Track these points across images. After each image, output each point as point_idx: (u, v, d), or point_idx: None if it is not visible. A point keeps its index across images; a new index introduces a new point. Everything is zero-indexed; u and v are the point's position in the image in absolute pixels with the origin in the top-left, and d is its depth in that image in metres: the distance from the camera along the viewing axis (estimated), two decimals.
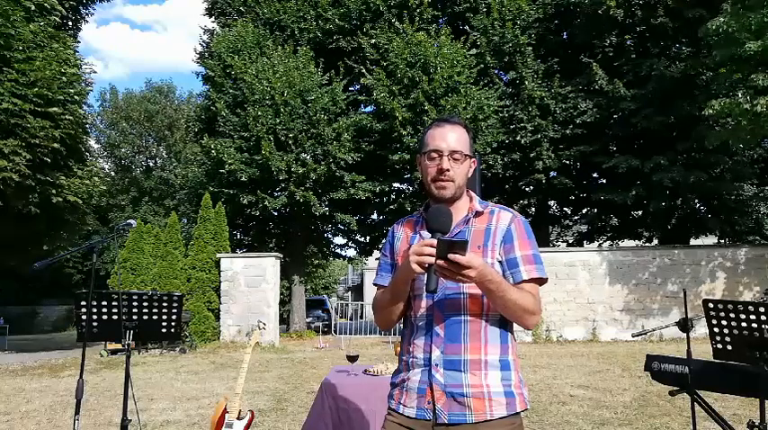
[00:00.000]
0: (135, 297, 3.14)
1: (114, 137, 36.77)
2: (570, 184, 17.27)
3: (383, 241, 2.22)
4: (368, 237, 19.80)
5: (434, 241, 1.50)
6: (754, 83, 10.97)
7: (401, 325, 1.85)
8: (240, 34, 17.12)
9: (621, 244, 20.65)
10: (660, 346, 11.72)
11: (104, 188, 17.04)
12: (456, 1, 18.25)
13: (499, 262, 1.69)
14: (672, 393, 3.18)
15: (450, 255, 1.46)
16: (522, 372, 1.73)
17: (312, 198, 15.82)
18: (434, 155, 1.70)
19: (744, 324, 2.71)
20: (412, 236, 1.79)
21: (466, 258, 1.46)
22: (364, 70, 16.46)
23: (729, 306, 2.75)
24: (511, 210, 1.77)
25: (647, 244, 19.47)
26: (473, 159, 1.77)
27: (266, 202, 15.72)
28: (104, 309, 3.11)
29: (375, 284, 1.86)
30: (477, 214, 1.74)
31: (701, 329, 3.80)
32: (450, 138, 1.70)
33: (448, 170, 1.68)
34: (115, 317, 3.10)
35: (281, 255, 16.04)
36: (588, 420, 5.50)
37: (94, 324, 3.11)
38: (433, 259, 1.48)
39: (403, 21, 16.68)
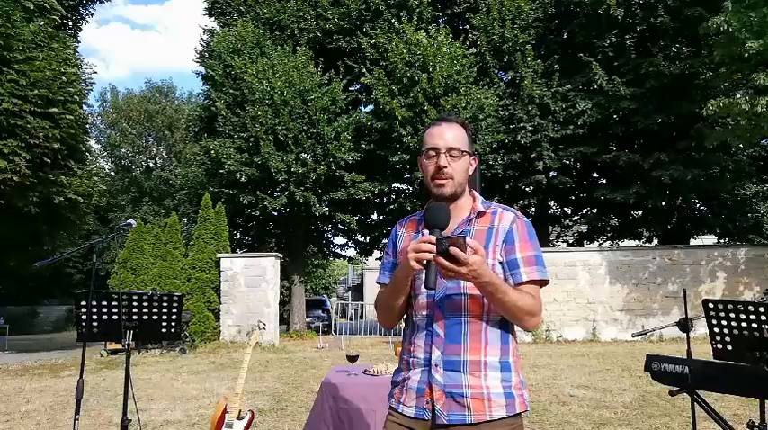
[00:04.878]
0: (135, 297, 3.14)
1: (114, 137, 36.77)
2: (570, 184, 17.26)
3: (383, 241, 2.24)
4: (368, 237, 19.78)
5: (433, 238, 1.51)
6: (755, 82, 10.96)
7: (402, 324, 1.85)
8: (240, 34, 17.11)
9: (621, 244, 20.63)
10: (660, 346, 11.71)
11: (104, 188, 17.03)
12: (456, 1, 18.23)
13: (500, 263, 1.69)
14: (672, 393, 3.18)
15: (451, 249, 1.47)
16: (522, 373, 1.73)
17: (312, 198, 15.81)
18: (432, 153, 1.72)
19: (744, 324, 2.71)
20: (414, 235, 1.80)
21: (465, 254, 1.47)
22: (364, 70, 16.45)
23: (729, 306, 2.75)
24: (514, 210, 1.77)
25: (647, 244, 19.46)
26: (473, 157, 1.78)
27: (266, 202, 15.70)
28: (104, 309, 3.11)
29: (378, 283, 1.88)
30: (480, 214, 1.74)
31: (701, 329, 3.80)
32: (448, 135, 1.72)
33: (445, 167, 1.69)
34: (115, 317, 3.10)
35: (281, 255, 16.03)
36: (588, 420, 5.50)
37: (94, 324, 3.11)
38: (431, 255, 1.49)
39: (402, 21, 16.67)
